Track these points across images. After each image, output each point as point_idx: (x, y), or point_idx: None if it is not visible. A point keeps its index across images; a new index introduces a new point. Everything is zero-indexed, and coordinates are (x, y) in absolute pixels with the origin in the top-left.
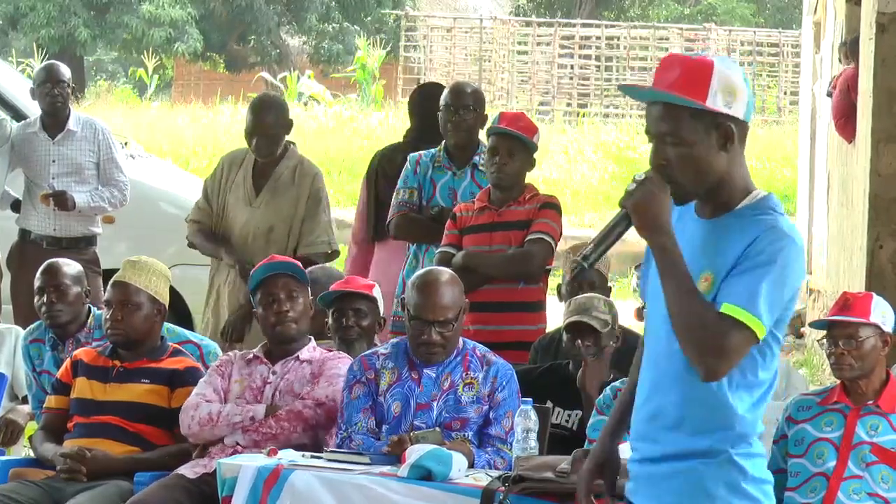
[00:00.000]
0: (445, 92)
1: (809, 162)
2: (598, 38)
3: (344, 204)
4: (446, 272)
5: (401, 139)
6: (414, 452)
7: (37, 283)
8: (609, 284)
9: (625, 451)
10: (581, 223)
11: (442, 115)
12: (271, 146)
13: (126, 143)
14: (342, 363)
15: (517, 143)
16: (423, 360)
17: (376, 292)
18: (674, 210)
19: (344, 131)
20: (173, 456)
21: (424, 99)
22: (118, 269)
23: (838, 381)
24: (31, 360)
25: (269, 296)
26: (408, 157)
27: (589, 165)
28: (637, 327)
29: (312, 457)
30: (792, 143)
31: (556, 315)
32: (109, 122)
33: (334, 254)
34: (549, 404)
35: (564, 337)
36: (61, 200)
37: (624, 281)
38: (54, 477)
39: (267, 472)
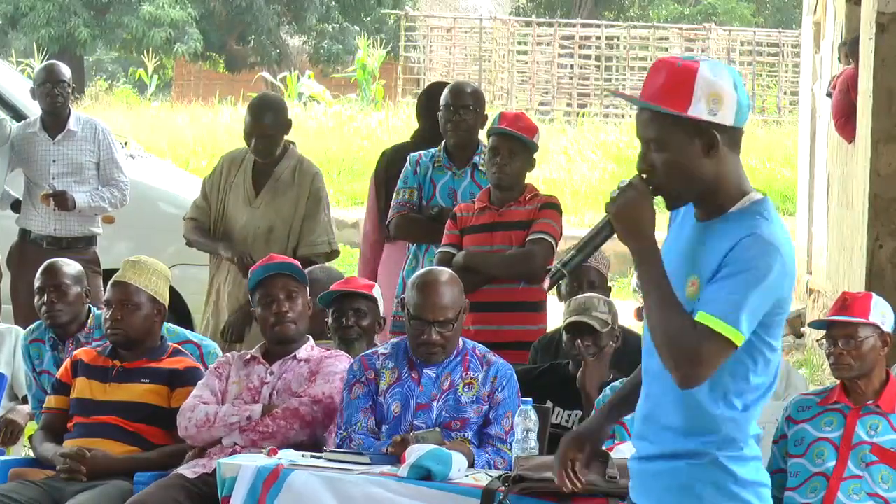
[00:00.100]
0: (445, 92)
1: (809, 162)
2: (597, 38)
3: (344, 204)
4: (446, 272)
5: (403, 138)
6: (414, 452)
7: (37, 283)
8: (609, 284)
9: (625, 451)
10: (581, 223)
11: (442, 115)
12: (270, 146)
13: (126, 143)
14: (339, 361)
15: (518, 143)
16: (423, 360)
17: (376, 292)
18: (678, 213)
19: (344, 131)
20: (173, 456)
21: (431, 99)
22: (118, 269)
23: (838, 381)
24: (31, 360)
25: (268, 296)
26: (408, 157)
27: (589, 165)
28: (637, 327)
29: (312, 456)
30: (792, 143)
31: (556, 315)
32: (109, 122)
33: (334, 253)
34: (549, 404)
35: (564, 337)
36: (61, 200)
37: (624, 281)
38: (54, 477)
39: (267, 471)
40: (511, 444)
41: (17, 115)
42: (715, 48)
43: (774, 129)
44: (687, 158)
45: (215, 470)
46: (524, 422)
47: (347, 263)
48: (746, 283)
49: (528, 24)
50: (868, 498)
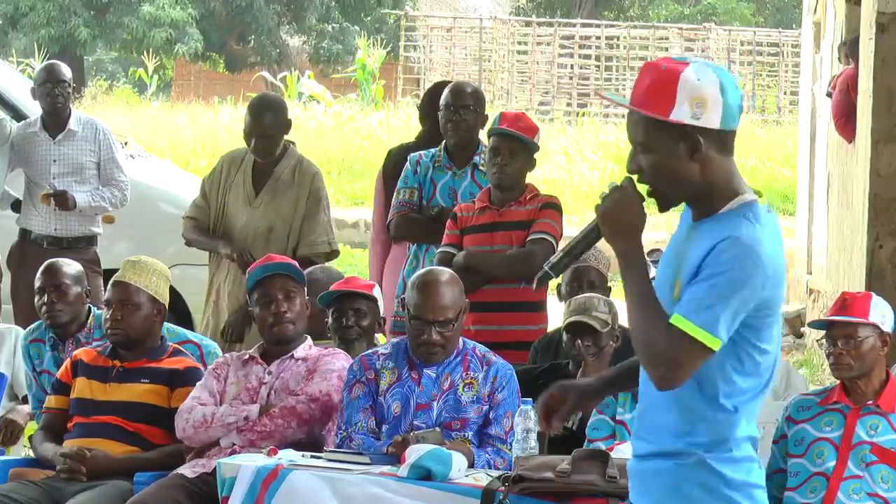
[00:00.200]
0: (445, 92)
1: (809, 162)
2: (597, 37)
3: (344, 204)
4: (446, 272)
5: (403, 138)
6: (414, 452)
7: (37, 283)
8: (609, 284)
9: (625, 451)
10: (581, 223)
11: (442, 115)
12: (270, 146)
13: (126, 143)
14: (336, 359)
15: (518, 143)
16: (423, 360)
17: (376, 292)
18: (686, 214)
19: (344, 131)
20: (173, 456)
21: (434, 100)
22: (118, 269)
23: (838, 381)
24: (31, 360)
25: (267, 296)
26: (408, 158)
27: (589, 165)
28: None
29: (312, 456)
30: (792, 143)
31: (556, 315)
32: (109, 122)
33: (334, 253)
34: None
35: (564, 337)
36: (62, 200)
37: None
38: (54, 477)
39: (266, 471)
40: (511, 444)
41: (17, 115)
42: (715, 48)
43: (774, 129)
44: (673, 161)
45: (215, 469)
46: (524, 422)
47: (347, 263)
48: (722, 287)
49: (528, 24)
50: (868, 498)
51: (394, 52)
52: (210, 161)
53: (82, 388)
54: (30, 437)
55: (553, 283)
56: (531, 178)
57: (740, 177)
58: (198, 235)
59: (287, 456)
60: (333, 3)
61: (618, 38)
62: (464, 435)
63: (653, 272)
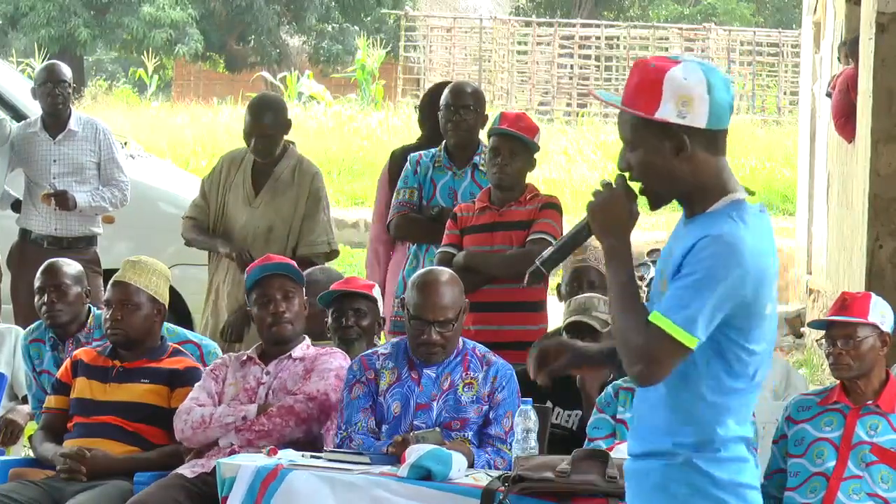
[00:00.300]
0: (445, 92)
1: (809, 162)
2: (597, 38)
3: (344, 204)
4: (446, 272)
5: (403, 138)
6: (414, 452)
7: (37, 283)
8: None
9: (625, 451)
10: None
11: (442, 115)
12: (270, 146)
13: (126, 143)
14: (334, 358)
15: (518, 143)
16: (423, 360)
17: (376, 292)
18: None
19: (344, 131)
20: (173, 456)
21: (435, 102)
22: (118, 269)
23: (838, 381)
24: (31, 360)
25: (265, 296)
26: (408, 158)
27: (589, 165)
28: None
29: (312, 456)
30: (792, 143)
31: (556, 315)
32: (109, 122)
33: (334, 253)
34: (549, 404)
35: (564, 337)
36: (62, 200)
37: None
38: (54, 477)
39: (266, 471)
40: (511, 444)
41: (17, 115)
42: (715, 48)
43: (774, 129)
44: (659, 159)
45: (214, 469)
46: (524, 422)
47: (347, 263)
48: (700, 285)
49: (528, 24)
50: (868, 498)
51: (394, 52)
52: (210, 161)
53: (82, 388)
54: (30, 437)
55: (553, 284)
56: (531, 178)
57: (732, 176)
58: (197, 235)
59: (287, 456)
60: (333, 3)
61: (618, 39)
62: (464, 435)
63: (652, 272)
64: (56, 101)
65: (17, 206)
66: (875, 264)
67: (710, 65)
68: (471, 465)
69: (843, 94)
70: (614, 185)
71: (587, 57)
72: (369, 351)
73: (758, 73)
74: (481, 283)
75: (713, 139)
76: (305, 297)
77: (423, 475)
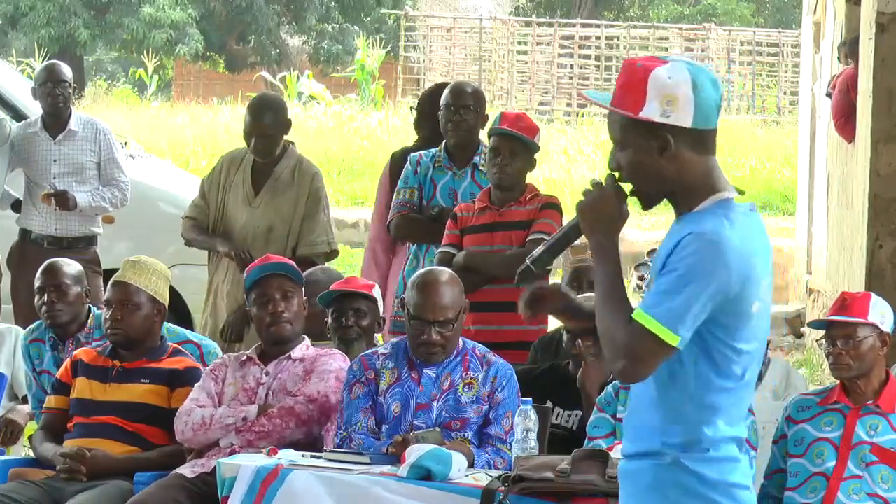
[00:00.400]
0: (446, 92)
1: (809, 162)
2: (597, 38)
3: (344, 204)
4: (446, 272)
5: (403, 138)
6: (414, 452)
7: (37, 283)
8: None
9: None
10: None
11: (442, 115)
12: (270, 146)
13: (126, 143)
14: (334, 359)
15: (518, 143)
16: (423, 360)
17: (376, 292)
18: None
19: (344, 131)
20: (173, 456)
21: (433, 104)
22: (118, 269)
23: (838, 381)
24: (31, 360)
25: (264, 296)
26: (408, 158)
27: (589, 165)
28: None
29: (312, 456)
30: (792, 143)
31: None
32: (109, 122)
33: (334, 253)
34: (549, 404)
35: (565, 337)
36: (62, 200)
37: (624, 281)
38: (54, 477)
39: (266, 471)
40: (511, 444)
41: (17, 115)
42: (715, 48)
43: (774, 129)
44: (646, 158)
45: (215, 469)
46: (524, 422)
47: (347, 263)
48: (681, 281)
49: (528, 24)
50: (868, 498)
51: (394, 52)
52: (210, 161)
53: (82, 388)
54: (30, 437)
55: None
56: (530, 177)
57: (722, 175)
58: (197, 235)
59: (287, 456)
60: (333, 3)
61: (618, 39)
62: (464, 435)
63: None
64: (56, 101)
65: (17, 206)
66: (875, 264)
67: (699, 65)
68: (471, 465)
69: (843, 94)
70: (603, 184)
71: (587, 57)
72: (369, 351)
73: (758, 73)
74: (481, 283)
75: (700, 138)
76: (305, 298)
77: (423, 475)
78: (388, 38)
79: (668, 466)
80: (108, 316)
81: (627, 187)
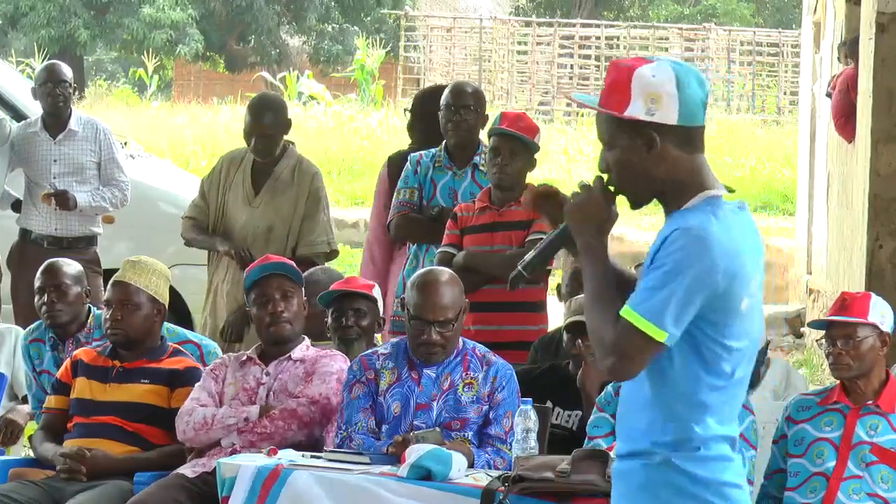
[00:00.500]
0: (446, 92)
1: (809, 162)
2: (597, 38)
3: (344, 204)
4: (446, 272)
5: (403, 138)
6: (414, 452)
7: (37, 283)
8: None
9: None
10: None
11: (442, 115)
12: (270, 146)
13: (126, 143)
14: (334, 361)
15: (519, 143)
16: (423, 360)
17: (376, 292)
18: None
19: (344, 131)
20: (173, 456)
21: (426, 107)
22: (118, 269)
23: (838, 381)
24: (31, 360)
25: (264, 296)
26: (408, 158)
27: (589, 165)
28: None
29: (312, 456)
30: (792, 143)
31: (556, 315)
32: (109, 122)
33: (333, 253)
34: (549, 404)
35: (565, 337)
36: (63, 200)
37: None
38: (54, 477)
39: (266, 471)
40: (511, 444)
41: (17, 115)
42: (715, 48)
43: (774, 129)
44: (634, 157)
45: (215, 469)
46: (524, 422)
47: (347, 263)
48: (667, 277)
49: (528, 24)
50: (868, 498)
51: (394, 52)
52: (210, 161)
53: (82, 388)
54: (30, 437)
55: (553, 284)
56: (530, 177)
57: (710, 173)
58: (197, 235)
59: (287, 456)
60: (333, 3)
61: (618, 39)
62: (464, 435)
63: None
64: (56, 100)
65: (17, 206)
66: (875, 264)
67: (684, 63)
68: (471, 465)
69: (843, 94)
70: (590, 186)
71: (587, 57)
72: (369, 351)
73: (758, 73)
74: (481, 283)
75: (687, 136)
76: (305, 298)
77: (423, 475)
78: (388, 38)
79: (659, 466)
80: (108, 316)
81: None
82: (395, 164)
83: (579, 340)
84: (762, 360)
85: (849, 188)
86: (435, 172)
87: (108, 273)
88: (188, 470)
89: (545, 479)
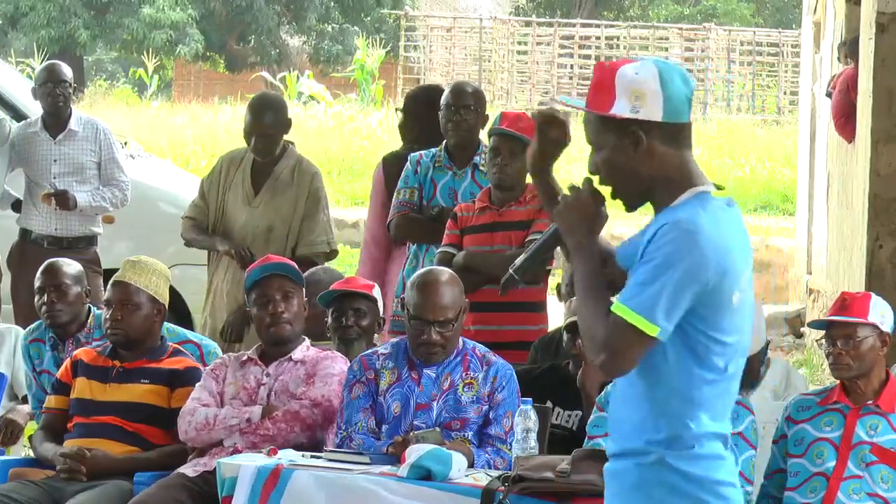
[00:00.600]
0: (446, 91)
1: (809, 162)
2: (597, 38)
3: (344, 204)
4: (446, 272)
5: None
6: (414, 452)
7: (37, 283)
8: None
9: None
10: None
11: (443, 115)
12: (270, 146)
13: (126, 143)
14: (335, 362)
15: (519, 143)
16: (423, 360)
17: (376, 292)
18: None
19: (344, 131)
20: (173, 456)
21: (419, 105)
22: (118, 269)
23: (838, 381)
24: (31, 360)
25: (264, 296)
26: (408, 158)
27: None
28: None
29: (312, 457)
30: (792, 143)
31: (556, 315)
32: (109, 122)
33: (333, 253)
34: (549, 404)
35: (565, 336)
36: (63, 200)
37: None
38: (54, 477)
39: (267, 472)
40: (511, 444)
41: (17, 115)
42: (715, 48)
43: (774, 129)
44: (622, 156)
45: (216, 468)
46: (524, 422)
47: (347, 263)
48: (656, 271)
49: (528, 24)
50: (868, 498)
51: (394, 52)
52: (210, 161)
53: (82, 388)
54: (30, 437)
55: (553, 284)
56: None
57: (698, 170)
58: (196, 234)
59: (287, 456)
60: (333, 3)
61: (618, 39)
62: (464, 435)
63: None
64: (56, 100)
65: (17, 206)
66: (875, 264)
67: (668, 62)
68: (471, 465)
69: (843, 94)
70: (580, 188)
71: (587, 57)
72: (369, 351)
73: (758, 73)
74: (481, 283)
75: (673, 133)
76: (305, 298)
77: (423, 475)
78: (387, 38)
79: (652, 465)
80: (108, 316)
81: (607, 191)
82: (389, 164)
83: (579, 340)
84: (762, 360)
85: (849, 188)
86: (435, 172)
87: (108, 273)
88: (189, 469)
89: (545, 479)
